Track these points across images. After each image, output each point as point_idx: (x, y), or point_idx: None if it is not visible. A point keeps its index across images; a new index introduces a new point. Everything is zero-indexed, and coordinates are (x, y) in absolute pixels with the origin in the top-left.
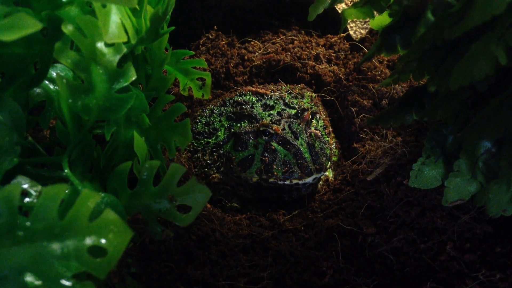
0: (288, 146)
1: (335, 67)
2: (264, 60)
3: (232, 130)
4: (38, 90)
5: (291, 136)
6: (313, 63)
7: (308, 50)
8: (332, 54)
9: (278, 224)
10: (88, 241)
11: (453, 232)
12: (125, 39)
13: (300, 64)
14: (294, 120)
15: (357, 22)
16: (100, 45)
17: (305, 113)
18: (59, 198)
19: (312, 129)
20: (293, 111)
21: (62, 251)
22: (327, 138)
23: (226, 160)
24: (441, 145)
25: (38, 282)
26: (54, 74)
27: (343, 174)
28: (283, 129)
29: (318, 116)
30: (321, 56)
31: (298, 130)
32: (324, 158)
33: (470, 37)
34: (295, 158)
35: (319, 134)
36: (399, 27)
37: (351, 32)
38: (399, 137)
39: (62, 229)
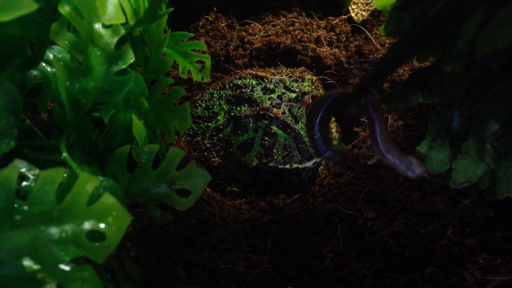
0: (289, 130)
1: (336, 50)
2: (264, 42)
3: (232, 113)
4: (35, 72)
5: (291, 120)
6: (314, 45)
7: (309, 32)
8: (333, 36)
9: (278, 209)
10: (87, 225)
11: (454, 216)
12: (123, 20)
13: (300, 47)
14: (294, 104)
15: (358, 4)
16: (97, 26)
17: (306, 97)
18: (57, 182)
19: None
20: (294, 95)
21: (60, 236)
22: None
23: (226, 144)
24: (445, 127)
25: (36, 267)
26: (51, 56)
27: None
28: (283, 112)
29: None
30: (322, 38)
31: (299, 114)
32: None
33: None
34: (295, 142)
35: None
36: (407, 5)
37: (352, 14)
38: (401, 121)
39: (60, 213)
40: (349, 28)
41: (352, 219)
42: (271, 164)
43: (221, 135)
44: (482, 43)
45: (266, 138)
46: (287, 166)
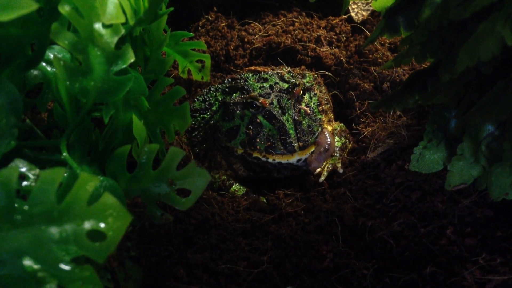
0: (274, 121)
1: (336, 50)
2: (265, 42)
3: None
4: (35, 72)
5: (278, 111)
6: (314, 45)
7: (309, 32)
8: (333, 36)
9: (278, 208)
10: (87, 225)
11: (454, 216)
12: (123, 20)
13: (300, 47)
14: (284, 95)
15: (358, 4)
16: (97, 26)
17: (296, 88)
18: (57, 181)
19: (303, 105)
20: (285, 85)
21: (61, 235)
22: (320, 116)
23: (215, 129)
24: (443, 128)
25: (36, 266)
26: (51, 55)
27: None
28: (271, 103)
29: (312, 93)
30: (322, 38)
31: (287, 105)
32: (311, 137)
33: (477, 19)
34: (279, 133)
35: (309, 111)
36: (402, 8)
37: (352, 14)
38: (400, 120)
39: (60, 213)
40: (349, 28)
41: (352, 219)
42: (254, 155)
43: (212, 122)
44: (463, 57)
45: (251, 127)
46: (270, 160)
